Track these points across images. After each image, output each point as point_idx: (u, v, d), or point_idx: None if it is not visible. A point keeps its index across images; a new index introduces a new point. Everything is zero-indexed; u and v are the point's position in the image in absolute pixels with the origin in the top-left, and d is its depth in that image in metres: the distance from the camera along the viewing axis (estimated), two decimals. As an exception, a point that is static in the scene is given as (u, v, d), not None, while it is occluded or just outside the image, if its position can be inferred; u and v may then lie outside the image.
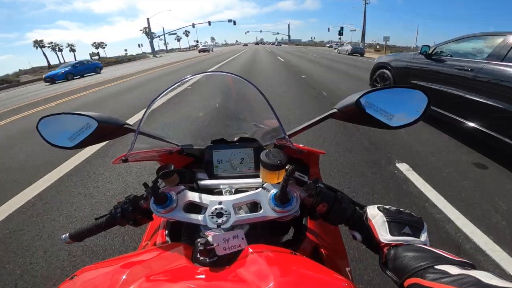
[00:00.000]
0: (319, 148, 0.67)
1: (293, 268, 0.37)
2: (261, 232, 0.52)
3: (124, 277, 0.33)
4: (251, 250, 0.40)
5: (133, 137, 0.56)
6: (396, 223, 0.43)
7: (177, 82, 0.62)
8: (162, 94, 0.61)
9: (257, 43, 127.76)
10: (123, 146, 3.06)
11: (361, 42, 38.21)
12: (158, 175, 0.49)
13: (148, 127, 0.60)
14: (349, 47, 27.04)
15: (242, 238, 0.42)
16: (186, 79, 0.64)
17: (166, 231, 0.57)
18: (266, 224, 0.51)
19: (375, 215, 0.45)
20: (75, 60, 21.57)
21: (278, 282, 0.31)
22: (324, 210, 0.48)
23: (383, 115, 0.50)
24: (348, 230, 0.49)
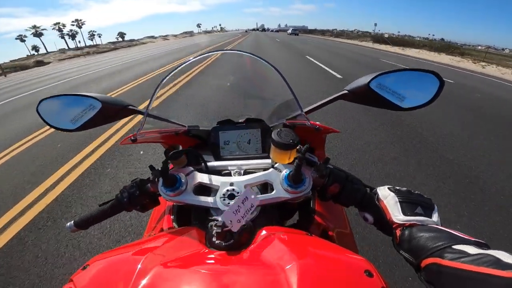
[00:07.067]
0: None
1: (311, 249, 0.36)
2: (270, 216, 0.51)
3: (139, 265, 0.33)
4: (267, 232, 0.39)
5: (143, 118, 0.55)
6: (408, 203, 0.43)
7: (185, 63, 0.61)
8: (171, 74, 0.59)
9: (255, 30, 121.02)
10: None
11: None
12: (167, 156, 0.48)
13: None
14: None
15: (252, 196, 0.40)
16: (192, 60, 0.62)
17: (173, 216, 0.55)
18: (274, 207, 0.50)
19: (386, 196, 0.45)
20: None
21: (299, 263, 0.30)
22: (336, 191, 0.48)
23: (394, 97, 0.51)
24: (358, 212, 0.49)
